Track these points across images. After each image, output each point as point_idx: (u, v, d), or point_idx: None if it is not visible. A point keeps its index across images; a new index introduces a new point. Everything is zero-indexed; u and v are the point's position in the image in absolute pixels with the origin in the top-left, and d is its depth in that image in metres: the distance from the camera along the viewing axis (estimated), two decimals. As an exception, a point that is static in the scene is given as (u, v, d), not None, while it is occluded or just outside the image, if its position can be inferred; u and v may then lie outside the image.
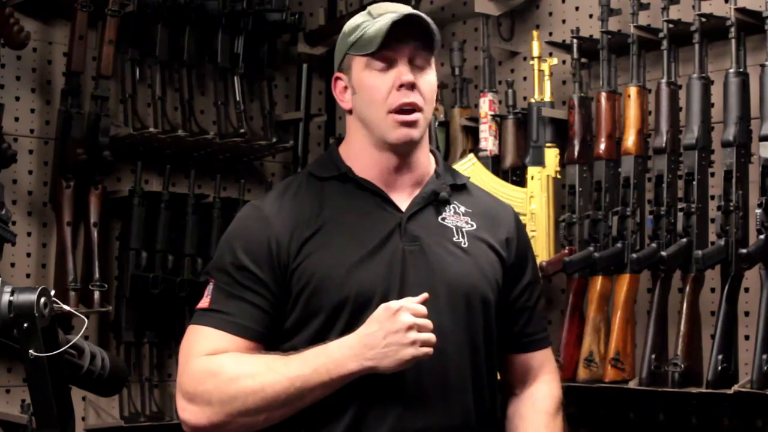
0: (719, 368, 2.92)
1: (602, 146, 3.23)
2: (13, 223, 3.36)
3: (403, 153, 2.05)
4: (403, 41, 2.00)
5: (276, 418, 1.95)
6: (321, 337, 1.96)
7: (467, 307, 2.04)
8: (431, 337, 1.90)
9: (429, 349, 1.90)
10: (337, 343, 1.92)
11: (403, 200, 2.07)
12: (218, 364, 1.95)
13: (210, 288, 2.02)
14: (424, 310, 1.90)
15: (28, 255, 3.58)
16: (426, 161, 2.11)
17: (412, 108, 2.00)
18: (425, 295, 1.92)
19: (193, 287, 3.65)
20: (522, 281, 2.15)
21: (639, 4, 3.21)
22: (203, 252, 3.72)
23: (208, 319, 1.99)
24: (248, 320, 1.98)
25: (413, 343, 1.88)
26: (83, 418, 3.56)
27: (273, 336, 2.00)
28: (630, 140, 3.16)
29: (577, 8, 3.58)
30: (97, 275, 3.49)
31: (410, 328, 1.88)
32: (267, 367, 1.93)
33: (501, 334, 2.11)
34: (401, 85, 1.99)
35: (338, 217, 2.03)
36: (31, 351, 1.64)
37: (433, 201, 2.08)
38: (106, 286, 3.52)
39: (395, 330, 1.88)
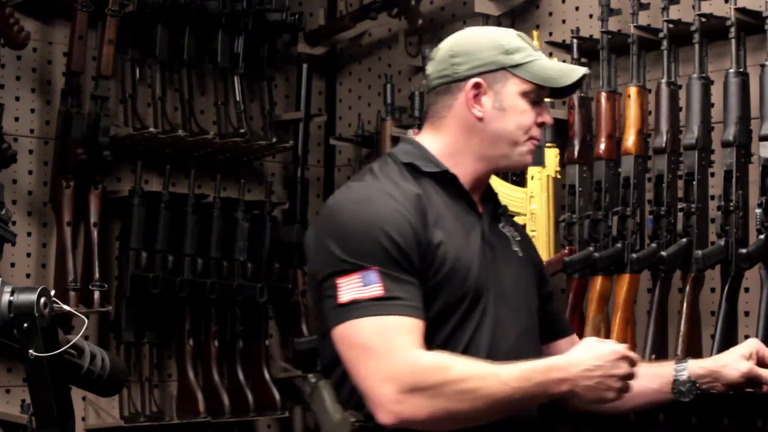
0: (719, 368, 2.92)
1: (602, 146, 3.23)
2: (13, 223, 3.37)
3: (499, 172, 2.20)
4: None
5: (476, 422, 1.96)
6: (438, 325, 2.00)
7: (529, 310, 2.17)
8: (631, 387, 2.00)
9: (620, 396, 1.99)
10: (557, 365, 1.95)
11: (479, 205, 2.17)
12: (446, 360, 1.93)
13: (373, 275, 1.93)
14: (638, 364, 2.00)
15: (28, 255, 3.59)
16: None
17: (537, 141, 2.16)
18: (636, 357, 2.00)
19: (193, 287, 3.65)
20: (548, 284, 2.33)
21: (639, 4, 3.20)
22: (203, 252, 3.73)
23: (393, 307, 1.92)
24: (419, 301, 1.96)
25: (619, 390, 1.96)
26: (83, 418, 3.56)
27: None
28: (630, 140, 3.15)
29: (577, 8, 3.58)
30: (97, 275, 3.49)
31: (625, 377, 1.96)
32: (490, 372, 1.93)
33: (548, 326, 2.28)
34: (541, 123, 2.13)
35: (444, 211, 2.07)
36: (31, 351, 1.65)
37: (494, 211, 2.19)
38: (106, 286, 3.52)
39: (614, 375, 1.95)
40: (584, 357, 1.95)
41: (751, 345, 2.23)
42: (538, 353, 2.12)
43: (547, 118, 2.12)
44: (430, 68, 2.16)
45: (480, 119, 2.09)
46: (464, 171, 2.12)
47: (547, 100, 2.18)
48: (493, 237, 2.13)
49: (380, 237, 1.96)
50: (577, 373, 1.93)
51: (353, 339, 1.93)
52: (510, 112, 2.09)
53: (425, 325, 1.96)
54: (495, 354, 2.01)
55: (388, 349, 1.91)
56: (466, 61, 2.09)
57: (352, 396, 2.01)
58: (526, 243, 2.27)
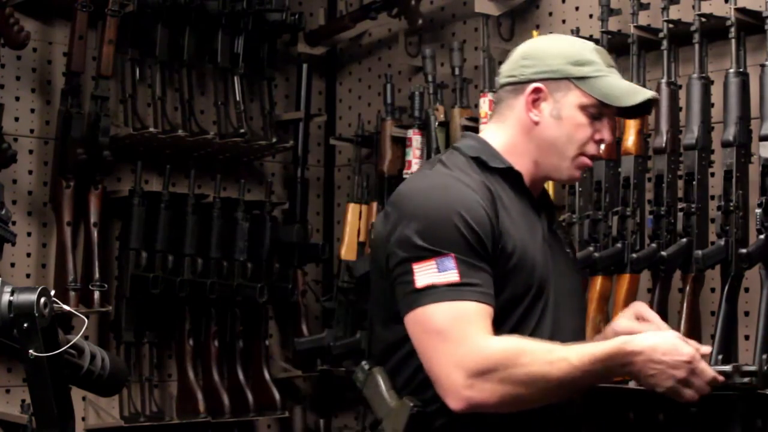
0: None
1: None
2: (13, 223, 3.36)
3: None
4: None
5: (546, 402, 2.00)
6: (504, 316, 2.02)
7: (581, 313, 2.26)
8: (701, 389, 2.00)
9: (689, 394, 1.99)
10: (626, 350, 1.97)
11: (538, 206, 2.18)
12: (516, 345, 1.96)
13: (449, 261, 1.95)
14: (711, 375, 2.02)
15: (28, 255, 3.59)
16: None
17: (596, 158, 2.17)
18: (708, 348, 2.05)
19: (193, 287, 3.65)
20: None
21: (639, 4, 3.20)
22: (203, 252, 3.73)
23: (468, 293, 1.95)
24: (491, 288, 1.99)
25: (679, 381, 1.97)
26: (83, 418, 3.56)
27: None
28: (630, 140, 3.15)
29: (577, 8, 3.58)
30: (97, 275, 3.50)
31: (684, 379, 1.98)
32: (559, 356, 1.95)
33: None
34: (600, 140, 2.12)
35: (515, 207, 2.10)
36: (31, 351, 1.64)
37: (550, 212, 2.22)
38: (106, 286, 3.52)
39: (673, 374, 1.97)
40: (656, 348, 1.96)
41: (636, 306, 2.29)
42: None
43: (606, 135, 2.11)
44: (503, 67, 2.19)
45: (536, 123, 2.10)
46: (523, 171, 2.13)
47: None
48: (551, 238, 2.16)
49: (457, 223, 1.98)
50: (643, 365, 1.96)
51: (428, 324, 1.95)
52: (565, 122, 2.09)
53: (493, 311, 1.99)
54: None
55: (461, 336, 1.93)
56: (533, 65, 2.11)
57: (408, 383, 2.05)
58: (572, 251, 2.31)
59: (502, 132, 2.15)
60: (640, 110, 2.18)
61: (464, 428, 2.02)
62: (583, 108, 2.08)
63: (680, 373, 1.97)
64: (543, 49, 2.14)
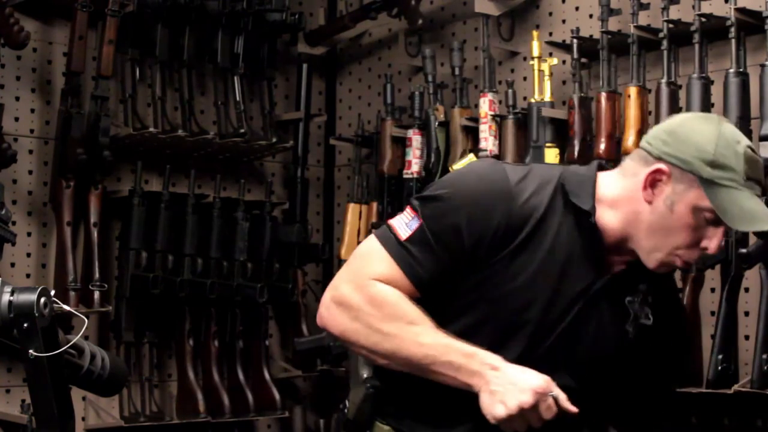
0: (719, 368, 2.92)
1: (602, 146, 3.23)
2: (13, 223, 3.36)
3: None
4: None
5: (392, 366, 1.99)
6: (466, 334, 1.98)
7: (599, 384, 2.08)
8: (526, 425, 1.91)
9: (517, 427, 1.90)
10: (482, 358, 1.93)
11: (614, 265, 2.05)
12: (385, 295, 1.97)
13: (417, 223, 1.99)
14: (553, 413, 1.91)
15: (28, 255, 3.59)
16: None
17: (687, 264, 2.03)
18: (575, 410, 1.93)
19: (193, 287, 3.65)
20: (667, 384, 2.21)
21: (639, 4, 3.20)
22: (203, 252, 3.72)
23: (401, 254, 1.98)
24: (428, 273, 1.98)
25: (521, 407, 1.88)
26: (83, 418, 3.56)
27: (435, 295, 2.01)
28: (630, 140, 3.15)
29: (577, 8, 3.58)
30: (97, 275, 3.49)
31: (531, 407, 1.88)
32: (420, 329, 1.95)
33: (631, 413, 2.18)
34: (704, 249, 1.99)
35: (556, 244, 2.00)
36: (31, 351, 1.64)
37: (632, 281, 2.06)
38: (106, 286, 3.52)
39: (523, 399, 1.88)
40: (513, 370, 1.91)
41: None
42: (586, 421, 2.08)
43: (712, 245, 1.97)
44: (653, 128, 2.09)
45: (648, 203, 1.99)
46: (613, 228, 2.02)
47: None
48: (604, 300, 2.03)
49: (452, 209, 1.98)
50: (493, 377, 1.90)
51: (360, 247, 2.07)
52: (675, 217, 1.97)
53: (415, 290, 1.98)
54: None
55: (360, 269, 2.01)
56: (670, 144, 1.98)
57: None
58: (659, 337, 2.11)
59: (616, 185, 2.04)
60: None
61: (410, 415, 2.04)
62: (698, 210, 1.95)
63: (525, 397, 1.88)
64: (686, 134, 1.98)
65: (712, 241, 1.98)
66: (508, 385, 1.89)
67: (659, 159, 1.97)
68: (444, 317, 1.99)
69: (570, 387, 1.99)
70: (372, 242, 2.03)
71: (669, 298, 2.17)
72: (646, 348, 2.10)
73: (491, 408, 1.89)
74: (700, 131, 1.98)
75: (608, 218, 2.02)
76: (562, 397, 1.91)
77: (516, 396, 1.88)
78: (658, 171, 1.97)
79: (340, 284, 2.02)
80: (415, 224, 1.98)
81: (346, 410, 2.08)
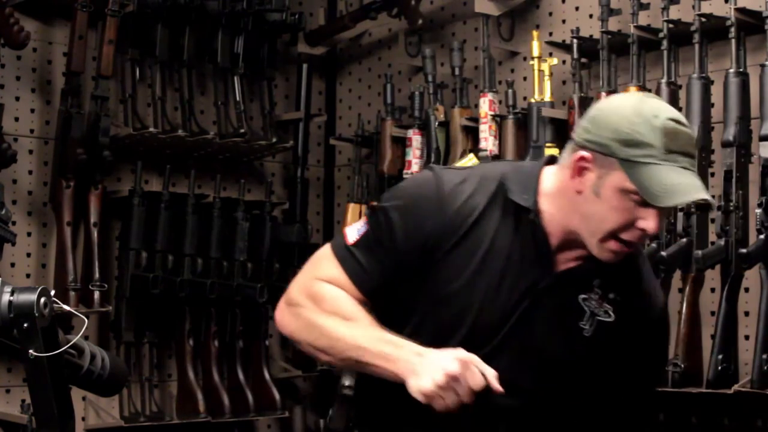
0: (719, 368, 2.92)
1: (602, 146, 3.22)
2: (13, 223, 3.36)
3: None
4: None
5: (331, 362, 2.03)
6: (412, 336, 1.97)
7: (557, 385, 2.01)
8: (457, 399, 1.86)
9: (439, 403, 1.86)
10: (411, 348, 1.91)
11: (564, 262, 1.99)
12: (326, 293, 2.01)
13: (365, 229, 2.03)
14: (481, 383, 1.86)
15: (28, 255, 3.59)
16: None
17: (633, 245, 1.95)
18: (500, 389, 1.88)
19: (193, 287, 3.65)
20: (637, 381, 2.10)
21: (639, 4, 3.20)
22: (203, 252, 3.72)
23: (346, 257, 2.02)
24: (371, 277, 2.00)
25: (438, 386, 1.85)
26: (83, 418, 3.56)
27: (383, 299, 2.02)
28: (630, 140, 3.15)
29: (577, 8, 3.58)
30: (97, 275, 3.49)
31: (454, 377, 1.85)
32: (355, 324, 1.97)
33: (599, 416, 2.08)
34: (643, 230, 1.91)
35: (496, 243, 1.98)
36: (31, 351, 1.64)
37: (586, 277, 2.00)
38: (106, 286, 3.52)
39: (448, 366, 1.85)
40: (438, 353, 1.88)
41: None
42: (553, 422, 2.04)
43: (650, 226, 1.88)
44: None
45: (579, 192, 1.93)
46: (557, 222, 1.97)
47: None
48: (553, 298, 1.98)
49: (391, 212, 2.01)
50: (418, 362, 1.88)
51: (315, 253, 2.12)
52: (603, 202, 1.90)
53: (362, 297, 2.01)
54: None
55: (310, 271, 2.07)
56: (590, 131, 1.92)
57: None
58: (623, 330, 2.02)
59: (555, 177, 1.99)
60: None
61: (389, 425, 2.03)
62: (624, 192, 1.88)
63: (450, 365, 1.85)
64: (604, 117, 1.92)
65: (649, 222, 1.89)
66: (432, 363, 1.87)
67: (582, 147, 1.93)
68: (391, 320, 1.98)
69: (528, 389, 1.97)
70: (325, 248, 2.08)
71: (640, 298, 2.07)
72: (614, 350, 2.03)
73: (418, 383, 1.86)
74: (617, 112, 1.91)
75: (551, 212, 1.97)
76: (490, 373, 1.86)
77: (440, 366, 1.85)
78: (581, 159, 1.92)
79: (291, 287, 2.09)
80: (363, 230, 2.03)
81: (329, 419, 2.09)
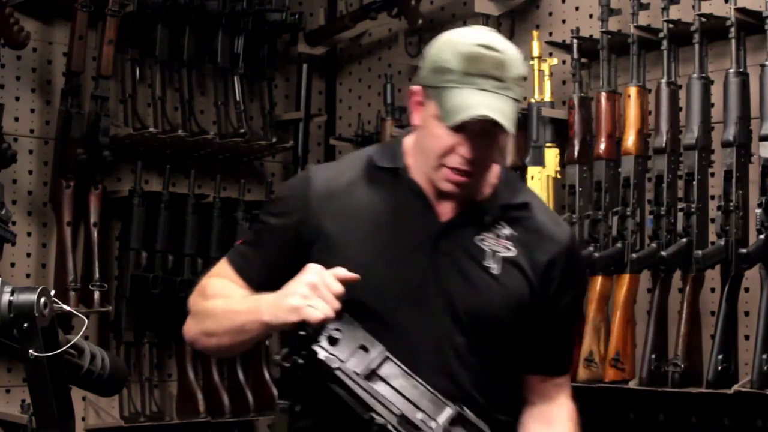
0: (719, 368, 2.93)
1: (602, 146, 3.23)
2: (13, 223, 3.36)
3: None
4: (479, 121, 1.90)
5: (225, 344, 2.02)
6: None
7: (477, 330, 1.99)
8: (325, 304, 1.85)
9: (311, 312, 1.85)
10: (270, 294, 1.93)
11: (448, 212, 2.01)
12: (210, 284, 2.08)
13: (252, 229, 2.13)
14: (337, 285, 1.86)
15: (28, 255, 3.59)
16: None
17: (466, 172, 1.95)
18: (356, 276, 1.89)
19: (193, 287, 3.64)
20: (556, 309, 2.07)
21: (639, 4, 3.21)
22: (203, 252, 3.73)
23: (232, 253, 2.10)
24: (257, 271, 2.05)
25: (303, 297, 1.86)
26: (83, 418, 3.56)
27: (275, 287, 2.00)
28: (630, 140, 3.16)
29: (577, 8, 3.58)
30: (97, 275, 3.50)
31: (313, 285, 1.86)
32: (234, 299, 2.02)
33: (523, 356, 2.06)
34: (462, 155, 1.93)
35: (375, 209, 2.01)
36: (31, 351, 1.64)
37: (476, 221, 2.01)
38: (106, 286, 3.52)
39: (306, 278, 1.88)
40: (288, 284, 1.91)
41: None
42: (492, 376, 2.01)
43: (465, 152, 1.91)
44: None
45: (420, 129, 1.99)
46: (423, 172, 2.00)
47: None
48: (454, 246, 1.99)
49: (268, 204, 2.16)
50: (277, 294, 1.90)
51: None
52: (426, 132, 1.96)
53: (243, 283, 2.05)
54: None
55: (207, 274, 2.14)
56: (420, 66, 2.00)
57: None
58: (529, 260, 2.03)
59: (415, 134, 2.04)
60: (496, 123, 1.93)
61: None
62: (437, 118, 1.92)
63: (307, 277, 1.87)
64: (428, 50, 1.99)
65: (463, 148, 1.92)
66: (293, 284, 1.89)
67: (416, 84, 1.99)
68: None
69: (471, 345, 1.97)
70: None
71: (538, 229, 2.06)
72: (528, 281, 2.02)
73: (288, 303, 1.87)
74: (436, 44, 1.97)
75: (415, 164, 2.01)
76: (341, 271, 1.88)
77: (300, 281, 1.87)
78: (410, 93, 1.99)
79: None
80: (250, 231, 2.13)
81: None
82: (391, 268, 1.98)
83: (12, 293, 1.65)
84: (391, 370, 1.86)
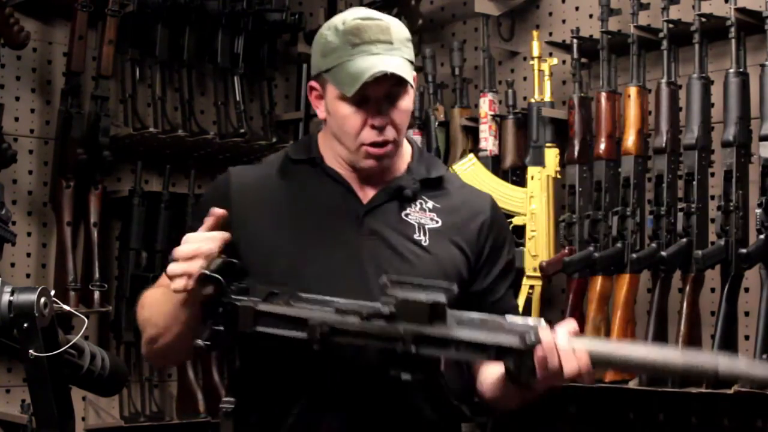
0: (719, 368, 2.92)
1: (602, 146, 3.23)
2: (13, 223, 3.37)
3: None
4: (379, 83, 1.95)
5: (170, 342, 2.00)
6: None
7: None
8: (177, 269, 1.95)
9: (177, 283, 1.93)
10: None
11: (368, 193, 2.05)
12: (145, 295, 2.10)
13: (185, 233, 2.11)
14: (187, 249, 1.94)
15: (28, 255, 3.59)
16: (397, 157, 2.07)
17: (384, 142, 1.99)
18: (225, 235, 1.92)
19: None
20: (492, 272, 2.09)
21: (639, 4, 3.20)
22: (203, 252, 3.72)
23: (170, 262, 2.06)
24: None
25: (170, 270, 1.95)
26: (83, 418, 3.56)
27: None
28: (630, 140, 3.16)
29: (577, 8, 3.58)
30: (97, 275, 3.50)
31: (178, 255, 1.95)
32: (160, 298, 2.04)
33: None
34: (376, 127, 1.97)
35: (294, 200, 2.04)
36: (31, 351, 1.64)
37: (397, 196, 2.05)
38: (106, 286, 3.52)
39: (180, 248, 1.98)
40: None
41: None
42: None
43: (377, 120, 1.96)
44: None
45: (326, 121, 2.05)
46: (338, 160, 2.05)
47: None
48: (381, 224, 2.02)
49: (195, 216, 2.11)
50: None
51: None
52: (334, 117, 2.01)
53: None
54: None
55: None
56: (312, 61, 2.09)
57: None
58: (457, 230, 2.06)
59: (325, 126, 2.09)
60: (393, 79, 1.96)
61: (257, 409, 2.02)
62: (343, 98, 1.97)
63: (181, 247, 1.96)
64: (313, 44, 2.10)
65: (376, 118, 1.97)
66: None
67: (313, 80, 2.08)
68: None
69: None
70: None
71: (458, 199, 2.10)
72: (458, 249, 2.05)
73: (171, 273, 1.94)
74: (318, 34, 2.08)
75: (328, 153, 2.06)
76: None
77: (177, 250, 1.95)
78: (309, 90, 2.07)
79: None
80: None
81: None
82: (318, 253, 1.99)
83: (12, 293, 1.65)
84: (308, 296, 1.87)
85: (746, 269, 2.95)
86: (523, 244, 3.35)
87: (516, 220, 3.36)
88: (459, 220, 2.07)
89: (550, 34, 3.61)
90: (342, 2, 4.24)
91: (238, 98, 3.88)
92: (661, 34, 3.12)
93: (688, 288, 3.03)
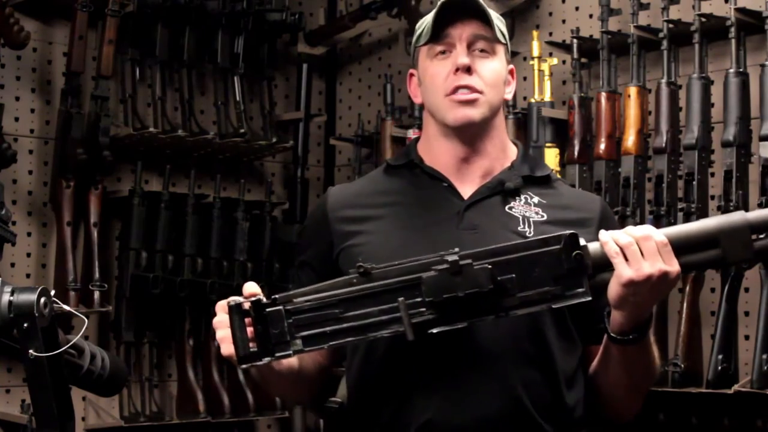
0: (719, 368, 2.92)
1: (602, 146, 3.23)
2: (13, 223, 3.37)
3: (467, 139, 2.04)
4: (457, 24, 2.05)
5: (282, 392, 2.16)
6: None
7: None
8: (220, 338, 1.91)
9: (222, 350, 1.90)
10: None
11: (470, 190, 2.06)
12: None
13: (293, 272, 2.21)
14: (219, 319, 1.91)
15: (28, 255, 3.59)
16: (498, 152, 2.08)
17: (468, 89, 2.02)
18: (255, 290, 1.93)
19: (193, 287, 3.65)
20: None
21: (639, 4, 3.21)
22: (203, 252, 3.72)
23: (293, 274, 2.17)
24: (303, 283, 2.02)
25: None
26: (83, 418, 3.56)
27: None
28: (630, 140, 3.16)
29: (577, 8, 3.58)
30: (97, 275, 3.50)
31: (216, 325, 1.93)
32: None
33: (579, 327, 2.02)
34: (457, 69, 2.02)
35: (398, 203, 2.07)
36: (31, 351, 1.64)
37: (499, 191, 2.05)
38: (106, 286, 3.52)
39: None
40: None
41: None
42: (546, 346, 1.96)
43: (458, 61, 2.03)
44: None
45: (422, 104, 2.12)
46: (437, 154, 2.08)
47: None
48: (483, 218, 2.01)
49: (303, 239, 2.22)
50: None
51: None
52: (424, 80, 2.08)
53: None
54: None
55: None
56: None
57: None
58: (564, 226, 1.95)
59: (423, 129, 2.15)
60: (470, 15, 2.07)
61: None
62: (428, 56, 2.08)
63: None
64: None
65: (457, 59, 2.04)
66: None
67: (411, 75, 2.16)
68: None
69: (511, 321, 1.91)
70: None
71: (565, 198, 2.09)
72: None
73: None
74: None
75: (430, 150, 2.10)
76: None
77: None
78: (408, 77, 2.16)
79: None
80: (294, 274, 2.19)
81: None
82: (420, 251, 1.92)
83: (12, 293, 1.65)
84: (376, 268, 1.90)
85: (746, 269, 2.95)
86: (523, 244, 3.34)
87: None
88: (567, 218, 2.04)
89: (550, 34, 3.61)
90: (342, 2, 4.24)
91: (238, 98, 3.88)
92: (661, 34, 3.12)
93: (688, 288, 3.03)
